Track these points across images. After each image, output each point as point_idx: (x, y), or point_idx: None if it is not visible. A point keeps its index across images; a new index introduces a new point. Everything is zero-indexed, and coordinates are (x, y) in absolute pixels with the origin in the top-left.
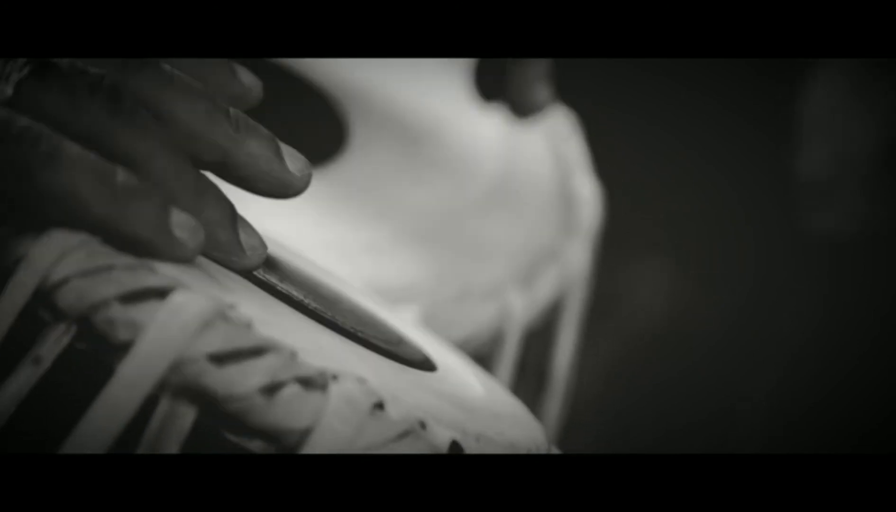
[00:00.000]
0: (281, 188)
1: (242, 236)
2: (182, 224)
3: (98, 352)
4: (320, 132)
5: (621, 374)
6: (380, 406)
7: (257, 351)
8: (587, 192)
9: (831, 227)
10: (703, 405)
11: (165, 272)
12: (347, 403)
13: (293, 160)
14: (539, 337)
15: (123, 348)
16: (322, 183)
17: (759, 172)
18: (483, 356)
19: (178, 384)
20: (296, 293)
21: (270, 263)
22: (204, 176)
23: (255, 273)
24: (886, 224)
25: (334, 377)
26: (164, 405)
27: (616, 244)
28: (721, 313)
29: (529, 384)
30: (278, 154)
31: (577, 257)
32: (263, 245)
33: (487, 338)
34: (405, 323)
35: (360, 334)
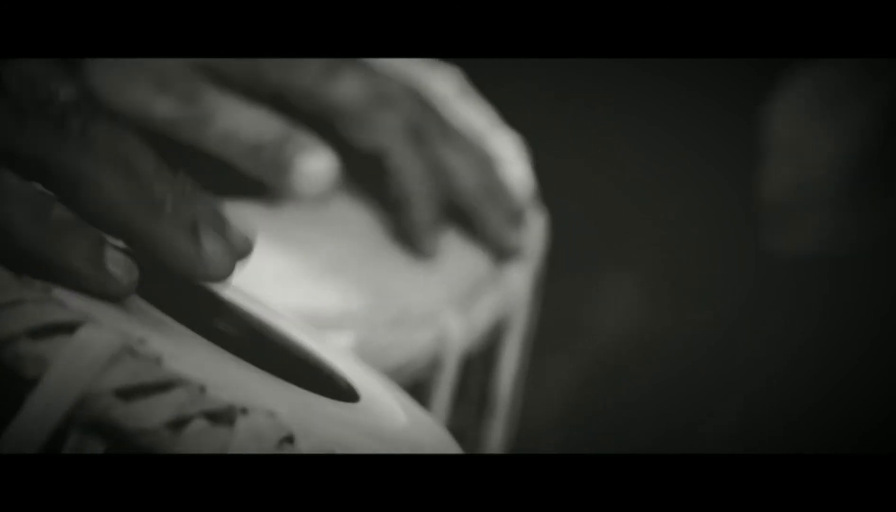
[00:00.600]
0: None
1: (208, 246)
2: (116, 260)
3: (7, 387)
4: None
5: (585, 394)
6: (289, 440)
7: (165, 386)
8: (531, 218)
9: (795, 246)
10: (668, 425)
11: (75, 306)
12: (254, 437)
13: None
14: (481, 361)
15: (32, 383)
16: (257, 209)
17: (722, 190)
18: (421, 382)
19: (85, 419)
20: (220, 324)
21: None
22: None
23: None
24: (850, 244)
25: (243, 411)
26: (72, 440)
27: (578, 263)
28: (686, 333)
29: (471, 409)
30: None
31: (519, 281)
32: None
33: (425, 363)
34: (337, 351)
35: (281, 365)
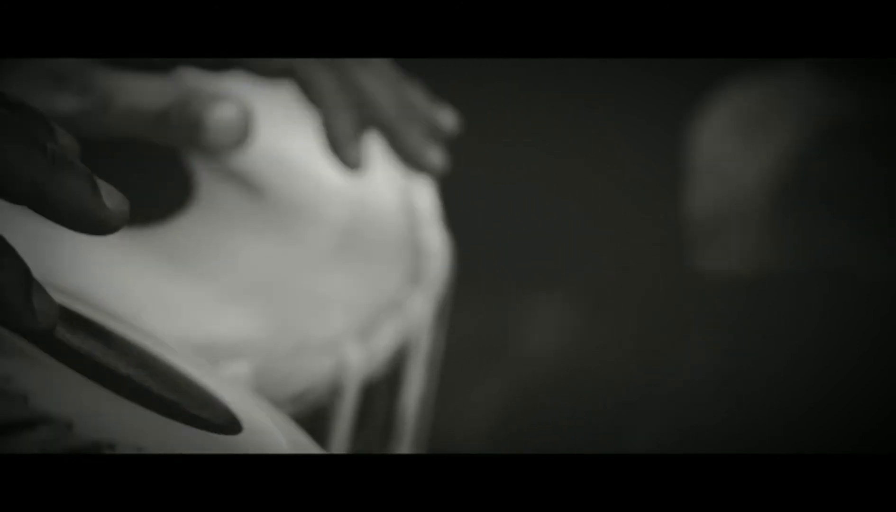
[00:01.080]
0: (96, 225)
1: (35, 299)
2: (109, 192)
3: None
4: (167, 185)
5: (514, 414)
6: None
7: (30, 423)
8: (435, 244)
9: (719, 264)
10: (593, 440)
11: None
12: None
13: (110, 197)
14: (385, 386)
15: None
16: (157, 237)
17: (648, 209)
18: (322, 409)
19: None
20: (99, 356)
21: (74, 324)
22: (2, 239)
23: (56, 334)
24: (776, 264)
25: (110, 446)
26: None
27: (505, 284)
28: (612, 351)
29: (375, 434)
30: (95, 190)
31: (421, 308)
32: (55, 309)
33: (325, 390)
34: (225, 382)
35: (163, 398)
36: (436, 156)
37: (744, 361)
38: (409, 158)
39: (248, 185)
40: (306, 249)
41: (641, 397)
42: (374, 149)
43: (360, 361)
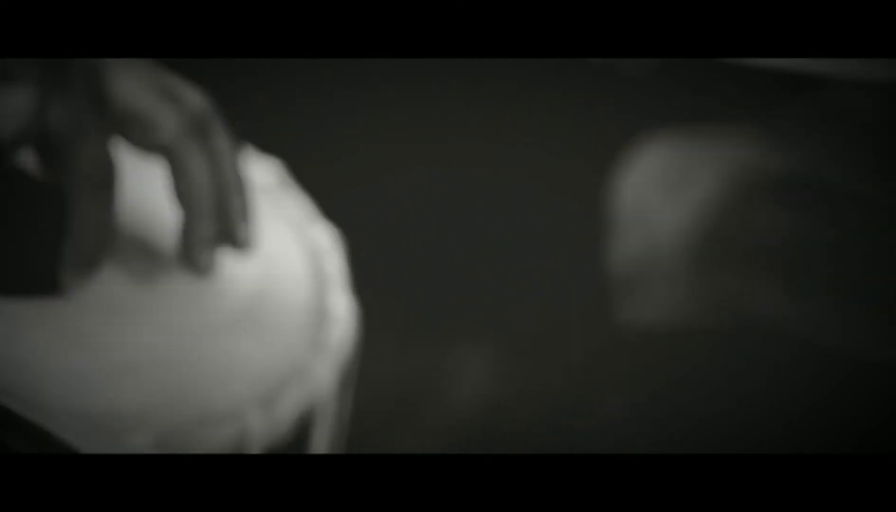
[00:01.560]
0: None
1: None
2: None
3: None
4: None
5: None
6: None
7: None
8: (342, 310)
9: (644, 317)
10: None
11: None
12: None
13: None
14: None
15: None
16: (58, 307)
17: (573, 261)
18: None
19: None
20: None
21: None
22: None
23: None
24: (697, 318)
25: None
26: None
27: (431, 335)
28: (538, 403)
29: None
30: None
31: (326, 376)
32: None
33: None
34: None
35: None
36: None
37: (664, 413)
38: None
39: (151, 251)
40: (210, 316)
41: (565, 449)
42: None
43: (262, 429)
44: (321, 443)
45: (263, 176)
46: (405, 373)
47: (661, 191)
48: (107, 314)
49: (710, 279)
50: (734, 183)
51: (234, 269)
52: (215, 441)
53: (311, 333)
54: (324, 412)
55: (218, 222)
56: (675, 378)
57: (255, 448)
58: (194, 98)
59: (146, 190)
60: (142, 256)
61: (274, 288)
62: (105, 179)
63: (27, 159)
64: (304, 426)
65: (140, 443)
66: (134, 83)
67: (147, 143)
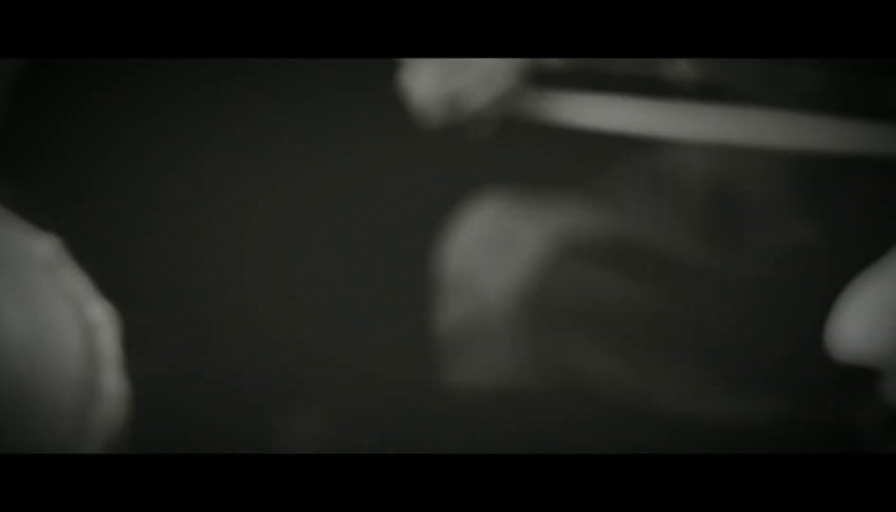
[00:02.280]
0: None
1: None
2: None
3: None
4: None
5: None
6: None
7: None
8: (112, 389)
9: (470, 380)
10: None
11: None
12: None
13: None
14: None
15: None
16: None
17: (399, 323)
18: None
19: None
20: None
21: None
22: None
23: None
24: (524, 379)
25: None
26: None
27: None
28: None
29: None
30: None
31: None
32: None
33: None
34: None
35: None
36: None
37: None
38: None
39: None
40: None
41: None
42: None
43: None
44: None
45: (41, 251)
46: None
47: (488, 252)
48: None
49: (536, 340)
50: (561, 244)
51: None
52: None
53: (79, 410)
54: None
55: None
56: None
57: None
58: None
59: None
60: None
61: (44, 364)
62: None
63: None
64: None
65: None
66: None
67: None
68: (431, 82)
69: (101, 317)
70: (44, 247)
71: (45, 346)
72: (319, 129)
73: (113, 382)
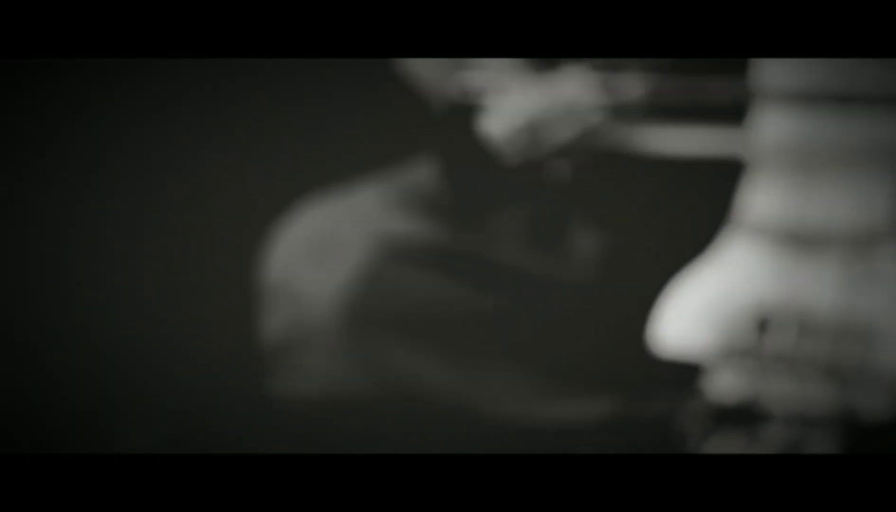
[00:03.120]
0: None
1: None
2: None
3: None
4: None
5: None
6: None
7: None
8: None
9: (294, 388)
10: None
11: None
12: None
13: None
14: None
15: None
16: None
17: (222, 336)
18: None
19: None
20: None
21: None
22: None
23: None
24: (351, 387)
25: None
26: None
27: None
28: None
29: None
30: None
31: None
32: None
33: None
34: None
35: None
36: None
37: None
38: None
39: None
40: None
41: None
42: None
43: None
44: None
45: None
46: None
47: (311, 260)
48: None
49: (361, 348)
50: (385, 250)
51: None
52: None
53: None
54: None
55: None
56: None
57: None
58: None
59: None
60: None
61: None
62: None
63: None
64: None
65: None
66: None
67: None
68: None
69: None
70: None
71: None
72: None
73: None
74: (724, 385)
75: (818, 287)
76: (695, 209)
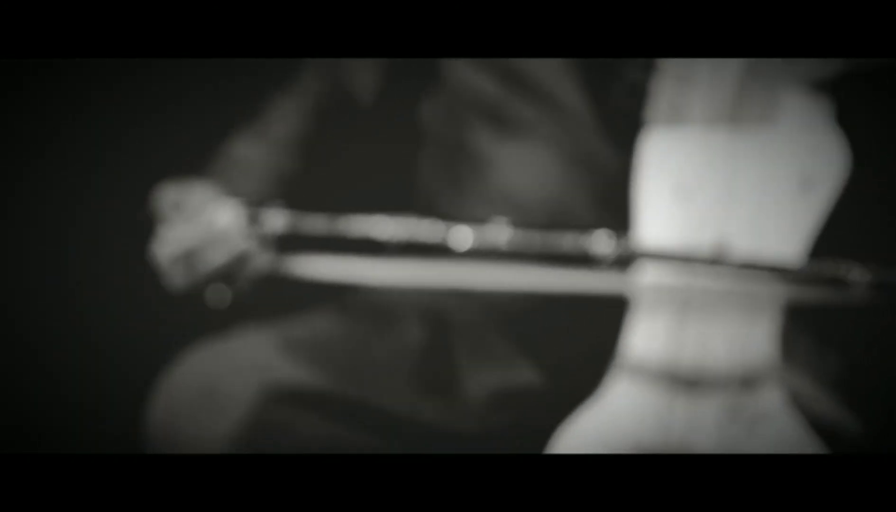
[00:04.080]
0: None
1: None
2: None
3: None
4: None
5: None
6: None
7: None
8: None
9: None
10: None
11: None
12: None
13: None
14: None
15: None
16: None
17: None
18: None
19: None
20: None
21: None
22: None
23: None
24: None
25: None
26: None
27: None
28: None
29: None
30: None
31: None
32: None
33: None
34: None
35: None
36: None
37: None
38: None
39: None
40: None
41: None
42: None
43: None
44: None
45: None
46: None
47: (194, 405)
48: None
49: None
50: (269, 395)
51: None
52: None
53: None
54: None
55: None
56: None
57: None
58: None
59: None
60: None
61: None
62: None
63: None
64: None
65: None
66: None
67: None
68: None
69: None
70: None
71: None
72: None
73: None
74: None
75: (697, 429)
76: (579, 350)
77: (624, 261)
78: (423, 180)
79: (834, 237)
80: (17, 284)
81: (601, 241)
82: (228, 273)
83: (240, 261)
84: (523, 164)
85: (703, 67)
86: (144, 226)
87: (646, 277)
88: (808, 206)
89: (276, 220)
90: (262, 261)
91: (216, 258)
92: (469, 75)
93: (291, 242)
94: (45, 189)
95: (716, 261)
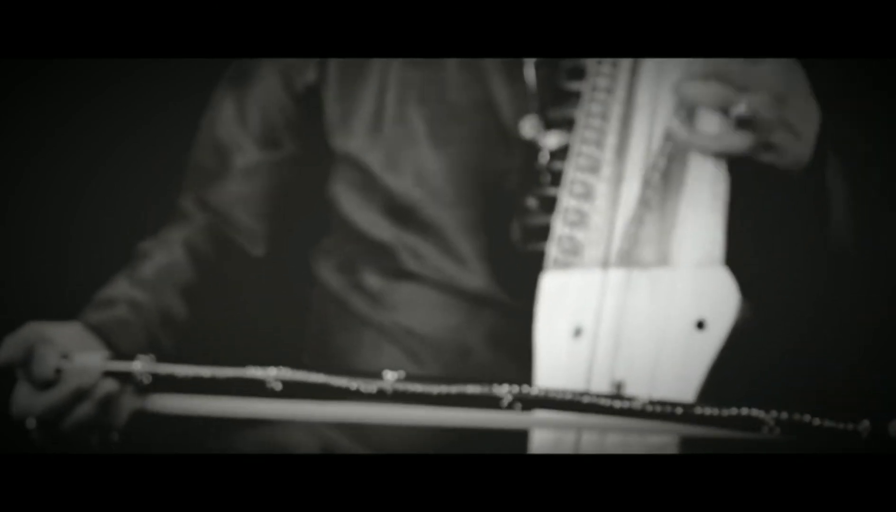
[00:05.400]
0: None
1: None
2: None
3: None
4: None
5: None
6: None
7: None
8: None
9: None
10: None
11: None
12: None
13: None
14: None
15: None
16: None
17: None
18: None
19: None
20: None
21: None
22: None
23: None
24: None
25: None
26: None
27: None
28: None
29: None
30: None
31: None
32: None
33: None
34: None
35: None
36: None
37: None
38: None
39: None
40: None
41: None
42: None
43: None
44: None
45: None
46: None
47: None
48: None
49: None
50: None
51: None
52: None
53: None
54: None
55: None
56: None
57: None
58: None
59: None
60: None
61: None
62: None
63: None
64: None
65: None
66: None
67: None
68: None
69: None
70: None
71: None
72: None
73: None
74: None
75: None
76: None
77: (524, 402)
78: (312, 328)
79: (729, 378)
80: (17, 284)
81: (500, 387)
82: (97, 423)
83: (107, 407)
84: (418, 306)
85: (597, 211)
86: (144, 226)
87: (544, 416)
88: (702, 347)
89: (148, 364)
90: (133, 403)
91: (82, 411)
92: (361, 217)
93: (166, 384)
94: (45, 189)
95: (614, 401)
